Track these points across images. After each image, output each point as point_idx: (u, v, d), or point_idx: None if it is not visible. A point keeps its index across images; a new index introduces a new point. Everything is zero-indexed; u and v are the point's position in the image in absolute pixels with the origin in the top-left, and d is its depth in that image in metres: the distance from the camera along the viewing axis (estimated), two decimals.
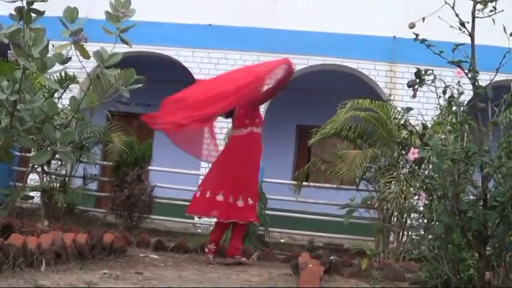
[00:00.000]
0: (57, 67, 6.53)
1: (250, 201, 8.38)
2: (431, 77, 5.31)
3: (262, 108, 12.46)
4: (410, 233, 9.02)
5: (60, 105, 8.42)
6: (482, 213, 4.80)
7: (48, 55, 6.17)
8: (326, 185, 12.63)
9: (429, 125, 6.28)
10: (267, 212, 11.87)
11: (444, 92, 5.34)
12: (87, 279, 5.86)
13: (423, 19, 5.14)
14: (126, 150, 12.40)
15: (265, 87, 8.73)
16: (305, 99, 17.29)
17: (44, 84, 10.52)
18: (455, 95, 5.34)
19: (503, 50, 5.02)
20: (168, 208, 13.97)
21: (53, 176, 12.21)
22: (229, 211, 8.30)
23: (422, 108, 8.14)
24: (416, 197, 9.01)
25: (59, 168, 12.24)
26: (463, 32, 5.15)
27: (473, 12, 5.17)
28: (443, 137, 5.44)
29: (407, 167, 10.18)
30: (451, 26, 5.09)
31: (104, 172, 15.63)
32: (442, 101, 5.44)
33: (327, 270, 7.52)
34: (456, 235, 5.23)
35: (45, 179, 12.04)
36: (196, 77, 15.84)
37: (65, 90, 11.60)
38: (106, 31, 6.37)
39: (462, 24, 5.09)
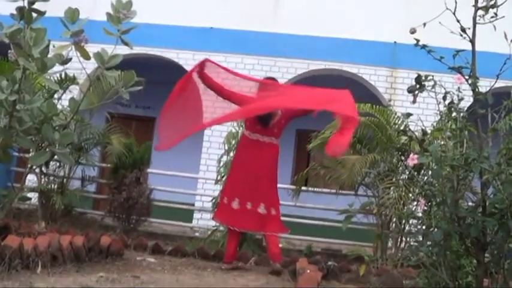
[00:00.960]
0: (57, 68, 6.53)
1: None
2: (432, 83, 5.30)
3: None
4: (408, 239, 9.00)
5: (59, 106, 8.40)
6: (481, 220, 4.79)
7: (49, 55, 6.16)
8: (325, 190, 12.61)
9: (429, 131, 6.27)
10: None
11: (444, 98, 5.33)
12: (84, 282, 5.85)
13: (424, 24, 5.13)
14: (125, 153, 12.39)
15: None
16: None
17: (43, 85, 10.51)
18: (455, 101, 5.33)
19: (504, 56, 5.01)
20: (166, 211, 13.97)
21: (51, 177, 12.18)
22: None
23: (422, 114, 8.13)
24: (415, 203, 9.01)
25: (57, 170, 12.21)
26: (464, 38, 5.14)
27: (474, 18, 5.16)
28: (442, 143, 5.42)
29: (407, 172, 10.16)
30: (452, 32, 5.08)
31: (102, 174, 15.63)
32: (442, 107, 5.43)
33: (325, 276, 7.51)
34: (455, 242, 5.21)
35: (43, 180, 12.01)
36: (196, 79, 15.82)
37: (64, 91, 11.58)
38: (107, 32, 6.36)
39: (463, 30, 5.09)
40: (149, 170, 13.14)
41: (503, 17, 5.01)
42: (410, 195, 9.40)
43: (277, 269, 7.82)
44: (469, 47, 5.18)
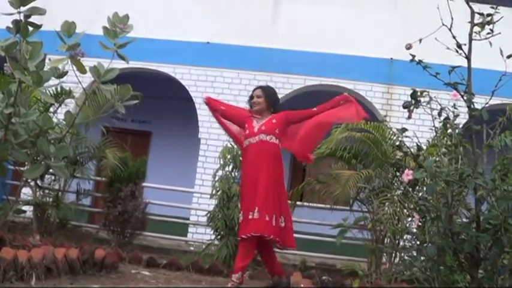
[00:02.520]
0: (53, 81, 6.53)
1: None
2: (427, 99, 5.32)
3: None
4: (402, 254, 9.01)
5: (55, 120, 8.42)
6: (475, 236, 4.80)
7: (45, 69, 6.17)
8: (320, 205, 12.59)
9: (425, 147, 6.29)
10: None
11: (439, 114, 5.35)
12: None
13: (420, 40, 5.16)
14: (120, 166, 12.37)
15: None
16: None
17: (39, 98, 10.51)
18: (451, 117, 5.34)
19: (499, 73, 5.04)
20: (161, 225, 13.95)
21: (46, 191, 12.15)
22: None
23: (418, 131, 8.14)
24: (410, 219, 9.01)
25: (52, 183, 12.18)
26: (460, 54, 5.17)
27: (470, 35, 5.19)
28: (437, 159, 5.44)
29: (402, 188, 10.17)
30: (448, 48, 5.11)
31: (97, 188, 15.60)
32: (437, 123, 5.44)
33: None
34: (449, 257, 5.22)
35: (38, 193, 11.98)
36: (192, 94, 15.86)
37: (60, 105, 11.58)
38: (103, 46, 6.36)
39: (459, 46, 5.11)
40: (144, 184, 13.12)
41: (499, 33, 5.03)
42: (405, 210, 9.39)
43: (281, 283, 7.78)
44: (464, 63, 5.21)
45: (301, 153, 8.49)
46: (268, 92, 8.40)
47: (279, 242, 7.75)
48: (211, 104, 8.56)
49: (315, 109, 8.26)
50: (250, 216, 7.63)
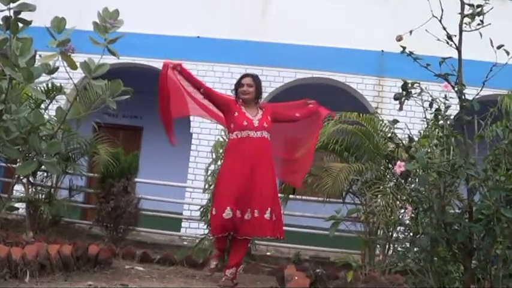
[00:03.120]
0: (44, 77, 6.50)
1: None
2: (418, 90, 5.32)
3: None
4: (396, 245, 9.03)
5: (46, 116, 8.39)
6: (467, 226, 4.81)
7: (35, 65, 6.15)
8: (312, 198, 12.60)
9: (416, 139, 6.30)
10: None
11: (431, 105, 5.35)
12: None
13: (410, 32, 5.16)
14: (112, 162, 12.36)
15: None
16: None
17: (30, 95, 10.49)
18: (442, 109, 5.35)
19: (490, 65, 5.05)
20: (154, 220, 13.94)
21: (39, 187, 12.14)
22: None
23: (410, 123, 8.15)
24: (403, 210, 9.03)
25: (44, 180, 12.17)
26: (450, 45, 5.17)
27: (460, 26, 5.19)
28: (429, 150, 5.45)
29: (394, 180, 10.18)
30: (438, 39, 5.11)
31: (90, 184, 15.58)
32: (428, 115, 5.45)
33: (313, 283, 7.53)
34: (442, 248, 5.23)
35: (30, 190, 11.97)
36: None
37: (51, 101, 11.57)
38: (93, 42, 6.35)
39: (449, 37, 5.12)
40: (137, 179, 13.11)
41: (489, 24, 5.04)
42: (398, 202, 9.41)
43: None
44: (455, 55, 5.21)
45: (293, 182, 8.65)
46: (258, 81, 8.39)
47: (274, 236, 7.80)
48: (184, 73, 8.61)
49: (297, 115, 8.31)
50: (246, 217, 7.64)
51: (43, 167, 6.35)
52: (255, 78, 8.43)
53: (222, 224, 7.56)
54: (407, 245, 5.65)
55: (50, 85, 11.18)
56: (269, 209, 7.70)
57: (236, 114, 8.00)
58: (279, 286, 7.48)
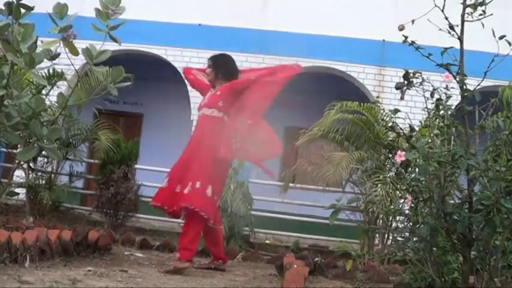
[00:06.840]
0: (46, 63, 6.51)
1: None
2: (420, 80, 5.32)
3: None
4: (395, 235, 9.05)
5: (47, 102, 8.39)
6: (467, 216, 4.82)
7: (37, 51, 6.15)
8: (312, 186, 12.61)
9: (417, 128, 6.30)
10: (252, 212, 11.85)
11: (432, 95, 5.35)
12: (72, 276, 5.85)
13: (412, 21, 5.16)
14: (112, 148, 12.37)
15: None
16: (294, 101, 17.29)
17: (31, 80, 10.50)
18: (443, 99, 5.35)
19: (491, 55, 5.05)
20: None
21: (39, 173, 12.17)
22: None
23: (410, 112, 8.13)
24: (402, 200, 9.04)
25: (45, 165, 12.20)
26: (452, 35, 5.17)
27: (462, 16, 5.19)
28: (430, 140, 5.45)
29: (394, 169, 10.19)
30: (440, 29, 5.11)
31: (90, 170, 15.60)
32: (429, 105, 5.45)
33: (312, 271, 7.54)
34: (441, 238, 5.24)
35: (31, 175, 12.00)
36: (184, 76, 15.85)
37: (52, 87, 11.57)
38: (95, 28, 6.34)
39: (451, 27, 5.11)
40: (137, 166, 13.11)
41: (492, 14, 5.04)
42: (398, 192, 9.42)
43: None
44: (457, 45, 5.21)
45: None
46: (216, 61, 8.26)
47: (209, 217, 7.66)
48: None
49: (253, 77, 8.04)
50: (177, 190, 7.89)
51: (43, 152, 6.36)
52: (213, 58, 8.31)
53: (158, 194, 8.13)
54: (407, 234, 5.65)
55: (51, 71, 11.19)
56: (190, 183, 7.70)
57: None
58: (278, 274, 7.49)
